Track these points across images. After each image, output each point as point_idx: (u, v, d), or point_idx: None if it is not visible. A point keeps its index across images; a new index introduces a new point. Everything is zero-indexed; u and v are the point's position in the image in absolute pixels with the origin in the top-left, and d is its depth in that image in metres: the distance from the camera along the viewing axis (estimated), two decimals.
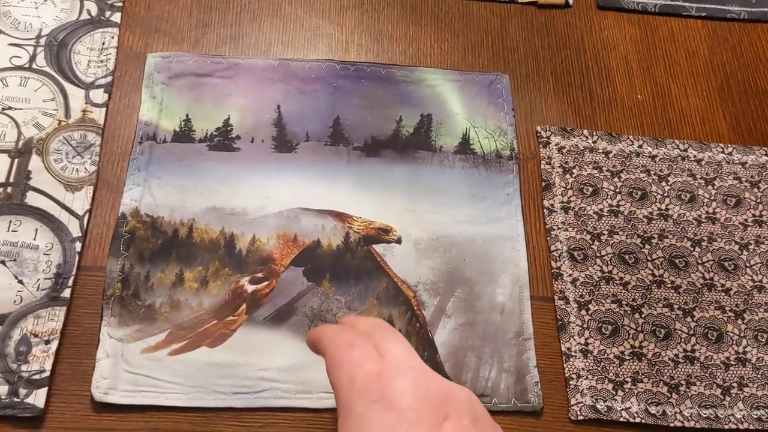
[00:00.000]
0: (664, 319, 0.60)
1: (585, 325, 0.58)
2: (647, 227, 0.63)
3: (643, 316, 0.59)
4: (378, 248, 0.59)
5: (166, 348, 0.53)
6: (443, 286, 0.58)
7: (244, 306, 0.55)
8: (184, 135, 0.61)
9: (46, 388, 0.50)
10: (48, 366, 0.51)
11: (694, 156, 0.67)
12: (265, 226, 0.58)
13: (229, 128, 0.62)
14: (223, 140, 0.61)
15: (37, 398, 0.50)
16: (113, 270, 0.55)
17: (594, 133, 0.67)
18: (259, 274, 0.56)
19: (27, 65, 0.62)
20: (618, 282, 0.61)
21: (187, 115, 0.62)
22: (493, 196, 0.62)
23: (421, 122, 0.65)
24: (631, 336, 0.59)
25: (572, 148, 0.66)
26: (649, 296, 0.60)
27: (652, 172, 0.66)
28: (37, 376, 0.50)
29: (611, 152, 0.66)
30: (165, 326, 0.54)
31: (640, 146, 0.67)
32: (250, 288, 0.56)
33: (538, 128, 0.67)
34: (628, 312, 0.59)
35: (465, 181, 0.63)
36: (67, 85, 0.61)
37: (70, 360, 0.52)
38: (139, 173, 0.59)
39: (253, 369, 0.53)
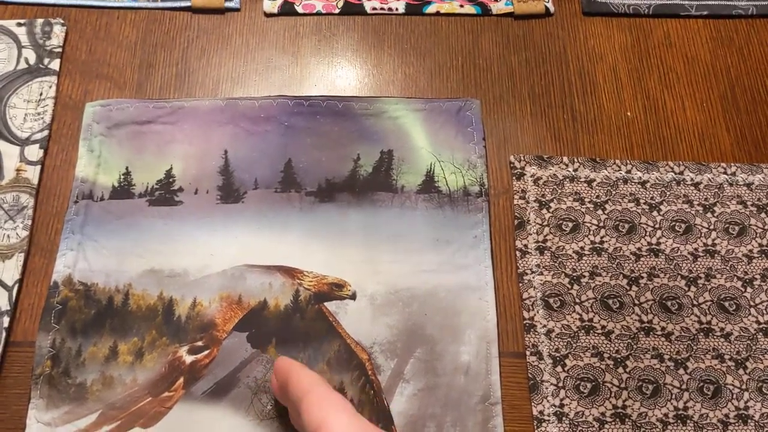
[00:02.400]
0: (653, 372, 0.53)
1: (561, 384, 0.53)
2: (635, 266, 0.57)
3: (627, 370, 0.53)
4: (330, 306, 0.54)
5: (97, 431, 0.49)
6: (401, 346, 0.53)
7: (181, 380, 0.51)
8: (123, 190, 0.57)
9: None
10: None
11: (692, 179, 0.60)
12: (208, 287, 0.54)
13: (171, 180, 0.58)
14: (165, 194, 0.57)
15: None
16: (43, 346, 0.51)
17: (575, 160, 0.60)
18: (199, 343, 0.52)
19: None
20: (600, 331, 0.54)
21: (126, 168, 0.58)
22: (459, 240, 0.57)
23: (380, 160, 0.60)
24: (613, 394, 0.52)
25: (550, 179, 0.60)
26: (635, 346, 0.54)
27: (641, 201, 0.59)
28: None
29: (595, 180, 0.60)
30: (96, 406, 0.50)
31: (629, 171, 0.60)
32: (188, 359, 0.52)
33: (512, 158, 0.60)
34: (611, 366, 0.53)
35: (428, 224, 0.57)
36: (1, 144, 0.58)
37: None
38: (74, 236, 0.55)
39: None
